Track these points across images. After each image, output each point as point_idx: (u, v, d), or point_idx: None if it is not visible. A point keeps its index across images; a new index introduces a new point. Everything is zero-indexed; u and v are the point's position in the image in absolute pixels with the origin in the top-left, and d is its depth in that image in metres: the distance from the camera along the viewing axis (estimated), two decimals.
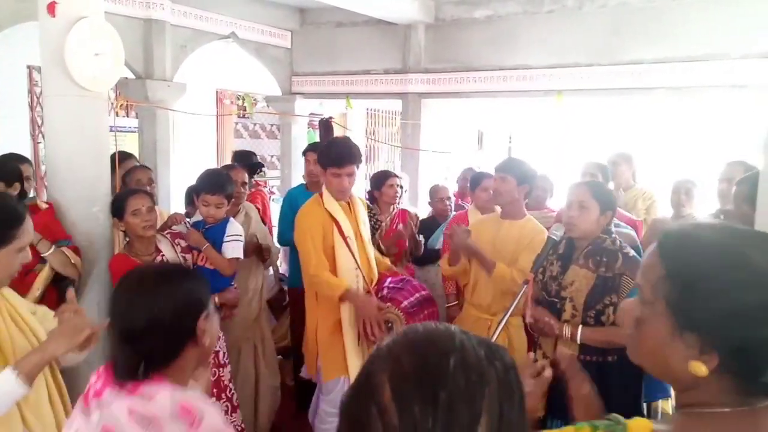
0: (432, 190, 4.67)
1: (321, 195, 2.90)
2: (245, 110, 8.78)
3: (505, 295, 2.80)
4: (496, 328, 2.48)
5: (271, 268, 4.17)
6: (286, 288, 4.41)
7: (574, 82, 5.32)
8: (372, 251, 2.99)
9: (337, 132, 6.47)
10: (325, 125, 3.94)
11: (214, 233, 2.94)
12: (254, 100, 8.75)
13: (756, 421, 0.83)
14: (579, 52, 5.31)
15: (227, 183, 3.02)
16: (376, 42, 6.35)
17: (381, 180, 4.15)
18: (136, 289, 1.31)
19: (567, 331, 2.35)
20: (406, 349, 0.70)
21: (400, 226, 4.02)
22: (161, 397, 1.20)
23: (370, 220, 3.98)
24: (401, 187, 4.70)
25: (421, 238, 4.14)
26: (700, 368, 0.83)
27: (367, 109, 9.47)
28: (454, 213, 4.37)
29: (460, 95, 5.94)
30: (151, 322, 1.25)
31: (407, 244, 4.03)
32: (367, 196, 4.33)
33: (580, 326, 2.32)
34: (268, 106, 7.62)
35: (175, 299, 1.29)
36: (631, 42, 5.08)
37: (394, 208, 4.15)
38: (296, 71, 6.87)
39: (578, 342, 2.33)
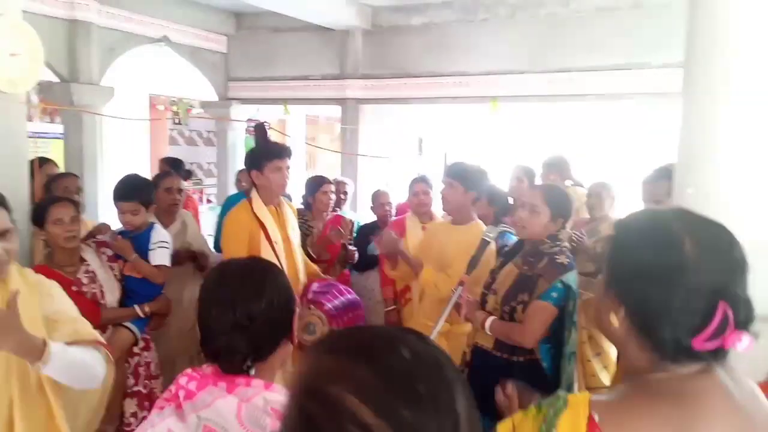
0: (374, 196, 4.68)
1: (250, 200, 2.83)
2: (179, 116, 8.54)
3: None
4: (434, 332, 2.52)
5: None
6: None
7: (508, 88, 5.46)
8: (301, 257, 2.94)
9: (276, 139, 6.37)
10: (260, 130, 3.88)
11: (139, 241, 2.83)
12: (189, 106, 8.53)
13: (686, 384, 0.88)
14: (513, 59, 5.45)
15: (142, 189, 2.92)
16: (313, 47, 6.32)
17: (315, 186, 4.11)
18: (249, 276, 1.27)
19: (481, 319, 2.39)
20: (351, 360, 0.63)
21: (334, 230, 3.98)
22: (278, 388, 1.17)
23: (301, 226, 3.95)
24: (345, 193, 4.68)
25: (352, 245, 4.11)
26: (614, 320, 0.94)
27: (307, 116, 9.41)
28: (394, 218, 4.38)
29: (398, 101, 5.99)
30: (268, 309, 1.22)
31: (340, 250, 4.00)
32: (302, 201, 4.28)
33: (491, 317, 2.35)
34: (204, 111, 7.45)
35: (282, 290, 1.28)
36: (562, 50, 5.26)
37: (327, 214, 4.12)
38: (232, 76, 6.75)
39: (487, 332, 2.36)
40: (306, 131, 9.57)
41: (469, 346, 2.58)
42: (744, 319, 0.87)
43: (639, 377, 0.92)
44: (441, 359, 0.65)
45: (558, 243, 2.37)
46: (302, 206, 4.28)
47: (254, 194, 2.84)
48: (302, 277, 2.89)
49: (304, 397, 0.63)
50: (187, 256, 3.36)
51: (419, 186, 3.72)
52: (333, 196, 4.15)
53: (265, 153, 2.86)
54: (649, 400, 0.87)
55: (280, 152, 2.85)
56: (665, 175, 2.74)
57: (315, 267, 3.18)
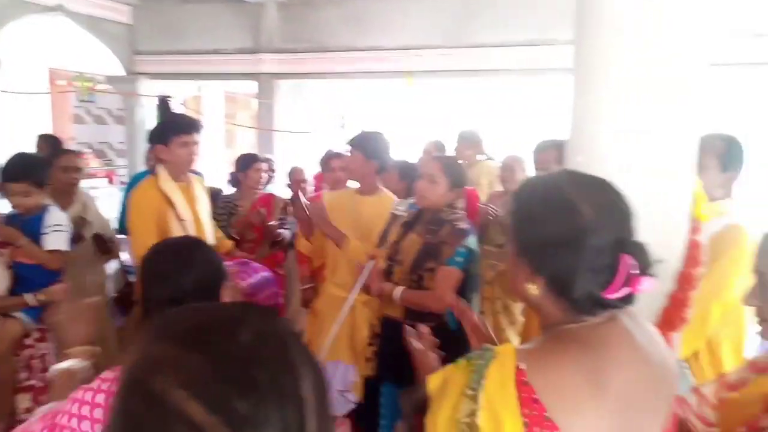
0: (289, 173, 4.60)
1: (155, 177, 2.70)
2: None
3: None
4: (348, 304, 2.52)
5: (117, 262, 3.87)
6: (133, 281, 4.12)
7: (423, 63, 5.48)
8: (212, 235, 2.85)
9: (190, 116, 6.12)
10: (163, 104, 3.68)
11: (32, 225, 2.64)
12: (93, 81, 8.01)
13: (596, 332, 0.95)
14: (428, 34, 5.47)
15: (34, 169, 2.71)
16: (226, 20, 6.08)
17: (248, 163, 3.96)
18: (177, 256, 1.37)
19: (389, 290, 2.43)
20: (182, 347, 0.56)
21: (262, 210, 3.88)
22: None
23: (227, 205, 3.83)
24: (273, 171, 4.57)
25: (286, 226, 4.03)
26: (532, 289, 0.98)
27: (225, 92, 9.08)
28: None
29: (314, 76, 5.89)
30: (197, 286, 1.31)
31: (268, 229, 3.91)
32: (230, 179, 4.14)
33: (400, 287, 2.40)
34: (111, 87, 7.03)
35: (210, 265, 1.38)
36: (475, 26, 5.33)
37: (257, 193, 4.00)
38: (139, 49, 6.39)
39: (397, 301, 2.41)
40: (224, 108, 9.24)
41: (378, 318, 2.61)
42: (645, 264, 0.95)
43: (555, 328, 0.97)
44: (288, 339, 0.60)
45: (456, 210, 2.46)
46: (229, 184, 4.16)
47: (160, 170, 2.70)
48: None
49: (126, 393, 0.56)
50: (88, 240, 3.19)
51: (335, 161, 3.68)
52: (265, 175, 4.04)
53: (172, 127, 2.71)
54: (565, 347, 0.93)
55: (188, 126, 2.71)
56: (552, 145, 2.89)
57: (229, 244, 3.09)
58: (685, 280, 1.55)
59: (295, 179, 4.45)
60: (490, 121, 5.67)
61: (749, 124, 4.97)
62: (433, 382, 1.00)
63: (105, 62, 6.57)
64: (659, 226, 1.52)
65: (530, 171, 3.90)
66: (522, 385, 0.88)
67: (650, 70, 1.50)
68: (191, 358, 0.55)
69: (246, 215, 3.84)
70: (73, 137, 7.68)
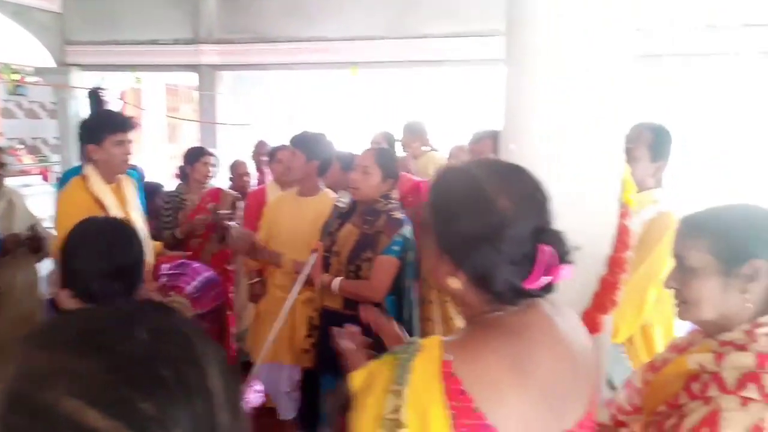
0: (232, 167, 4.50)
1: (84, 177, 2.57)
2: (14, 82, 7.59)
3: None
4: (289, 301, 2.49)
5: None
6: None
7: (368, 54, 5.45)
8: (146, 235, 2.73)
9: (130, 110, 5.91)
10: (94, 96, 3.53)
11: None
12: (19, 72, 7.60)
13: (519, 319, 0.96)
14: (371, 25, 5.44)
15: None
16: (163, 9, 5.88)
17: (195, 156, 3.85)
18: (120, 230, 1.57)
19: (327, 281, 2.44)
20: (72, 353, 0.52)
21: (210, 205, 3.77)
22: None
23: (174, 199, 3.71)
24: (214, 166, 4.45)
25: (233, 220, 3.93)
26: (455, 283, 0.97)
27: (166, 85, 8.80)
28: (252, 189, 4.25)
29: (256, 67, 5.78)
30: (138, 259, 1.54)
31: (216, 225, 3.81)
32: (178, 172, 4.02)
33: (338, 278, 2.41)
34: (41, 79, 6.69)
35: (139, 246, 1.56)
36: (419, 16, 5.33)
37: (205, 187, 3.89)
38: (70, 39, 6.11)
39: (336, 292, 2.41)
40: (166, 101, 8.96)
41: (316, 310, 2.60)
42: (564, 252, 0.95)
43: (479, 317, 0.97)
44: (190, 333, 0.58)
45: (391, 201, 2.48)
46: (176, 178, 4.03)
47: (90, 170, 2.56)
48: (149, 259, 2.69)
49: (7, 411, 0.50)
50: (16, 241, 3.03)
51: (282, 153, 3.62)
52: (212, 168, 3.93)
53: (105, 124, 2.57)
54: (490, 336, 0.93)
55: (123, 124, 2.59)
56: (487, 135, 2.97)
57: (159, 245, 2.99)
58: (614, 264, 1.59)
59: (238, 173, 4.36)
60: (436, 112, 5.70)
61: (700, 115, 5.17)
62: (356, 379, 0.97)
63: (34, 53, 6.24)
64: (590, 212, 1.57)
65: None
66: (448, 377, 0.87)
67: (580, 62, 1.52)
68: (83, 365, 0.51)
69: (198, 209, 3.73)
70: (1, 132, 7.28)
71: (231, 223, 3.43)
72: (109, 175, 2.59)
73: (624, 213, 1.65)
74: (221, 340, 3.43)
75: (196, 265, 2.75)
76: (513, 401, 0.88)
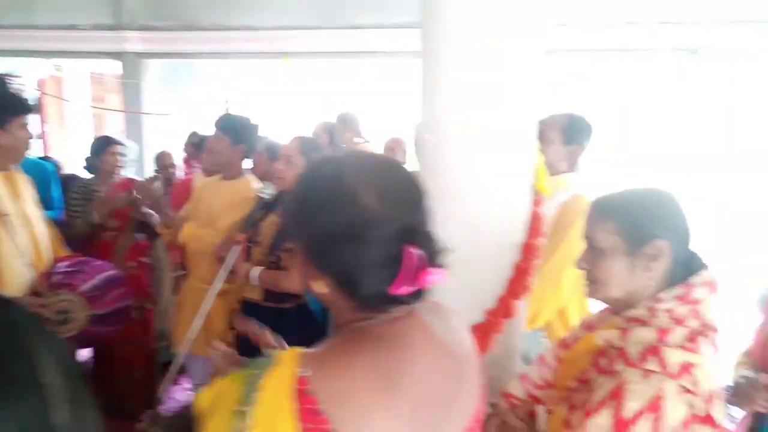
0: (157, 158, 4.35)
1: None
2: None
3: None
4: (212, 294, 2.42)
5: None
6: None
7: (299, 44, 5.38)
8: (44, 232, 2.55)
9: (51, 101, 5.58)
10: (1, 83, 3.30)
11: None
12: None
13: (391, 328, 0.88)
14: (303, 14, 5.36)
15: None
16: None
17: (101, 146, 3.67)
18: None
19: (246, 271, 2.40)
20: None
21: (125, 193, 3.61)
22: None
23: (85, 190, 3.52)
24: (124, 156, 4.26)
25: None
26: (320, 287, 0.89)
27: (91, 73, 8.38)
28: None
29: (184, 56, 5.59)
30: None
31: (132, 216, 3.65)
32: (85, 164, 3.82)
33: (258, 268, 2.38)
34: None
35: None
36: (353, 6, 5.28)
37: (115, 177, 3.72)
38: None
39: (254, 282, 2.38)
40: (91, 91, 8.53)
41: (238, 302, 2.56)
42: (433, 256, 0.87)
43: (347, 327, 0.89)
44: (18, 323, 0.54)
45: None
46: (85, 170, 3.83)
47: None
48: (46, 256, 2.51)
49: None
50: None
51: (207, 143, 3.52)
52: (121, 159, 3.75)
53: (10, 106, 2.41)
54: (356, 347, 0.85)
55: (27, 106, 2.44)
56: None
57: (60, 251, 2.83)
58: (528, 251, 1.63)
59: (164, 164, 4.22)
60: (369, 104, 5.69)
61: (615, 108, 5.39)
62: (202, 399, 0.86)
63: None
64: (503, 201, 1.60)
65: (411, 152, 3.99)
66: (302, 395, 0.78)
67: (493, 54, 1.55)
68: None
69: (106, 200, 3.57)
70: None
71: (148, 211, 3.31)
72: (8, 162, 2.41)
73: (537, 200, 1.70)
74: (140, 338, 3.32)
75: (98, 263, 2.58)
76: (377, 420, 0.80)
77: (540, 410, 1.41)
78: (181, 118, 6.11)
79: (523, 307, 1.71)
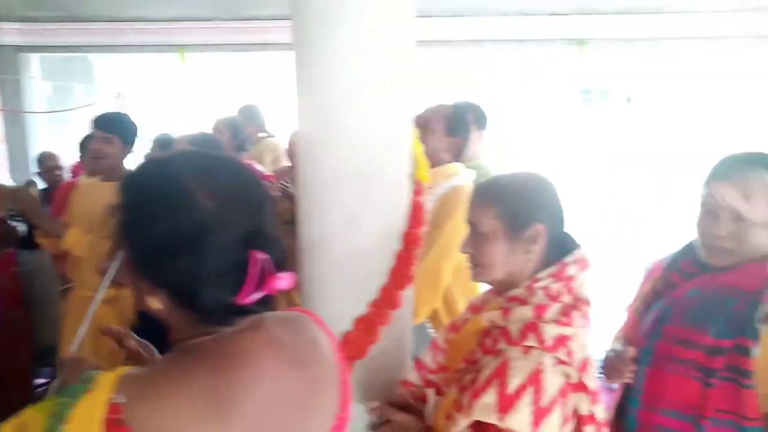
0: (39, 159, 4.05)
1: None
2: None
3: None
4: (96, 301, 2.27)
5: None
6: None
7: (196, 37, 5.16)
8: None
9: None
10: None
11: None
12: None
13: (231, 344, 0.81)
14: (200, 6, 5.13)
15: None
16: None
17: None
18: None
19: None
20: None
21: None
22: None
23: None
24: None
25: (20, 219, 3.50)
26: (155, 303, 0.82)
27: None
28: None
29: (70, 49, 5.21)
30: None
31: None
32: None
33: None
34: None
35: None
36: None
37: None
38: None
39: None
40: None
41: (134, 312, 2.44)
42: (280, 260, 0.83)
43: (181, 345, 0.82)
44: None
45: None
46: None
47: None
48: None
49: None
50: None
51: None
52: None
53: None
54: (186, 368, 0.78)
55: None
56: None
57: None
58: (409, 240, 1.63)
59: (47, 166, 3.93)
60: (272, 97, 5.57)
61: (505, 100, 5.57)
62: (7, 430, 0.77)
63: None
64: (381, 190, 1.59)
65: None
66: (113, 425, 0.71)
67: (363, 45, 1.53)
68: None
69: None
70: None
71: (15, 223, 3.07)
72: None
73: (417, 190, 1.70)
74: (15, 354, 3.09)
75: None
76: None
77: (430, 394, 1.42)
78: (71, 116, 5.73)
79: (408, 297, 1.71)
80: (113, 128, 2.67)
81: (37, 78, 5.38)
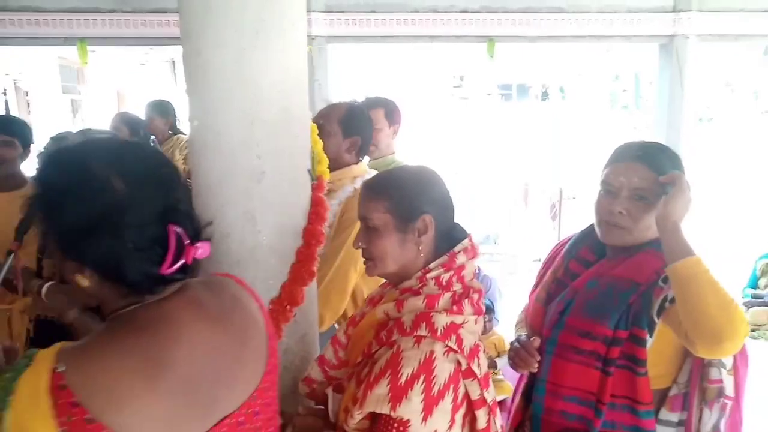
0: None
1: None
2: None
3: None
4: None
5: None
6: None
7: (96, 29, 4.90)
8: None
9: None
10: None
11: None
12: None
13: (159, 310, 0.91)
14: None
15: None
16: None
17: None
18: None
19: (37, 287, 2.14)
20: None
21: None
22: None
23: None
24: None
25: None
26: (83, 281, 0.89)
27: None
28: None
29: None
30: None
31: None
32: None
33: (49, 282, 2.14)
34: None
35: None
36: None
37: None
38: None
39: (45, 298, 2.14)
40: None
41: (31, 320, 2.29)
42: (195, 230, 0.93)
43: (111, 317, 0.91)
44: None
45: None
46: None
47: None
48: None
49: None
50: None
51: None
52: None
53: None
54: (116, 336, 0.87)
55: None
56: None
57: None
58: (310, 236, 1.62)
59: None
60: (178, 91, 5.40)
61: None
62: None
63: None
64: (278, 186, 1.57)
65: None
66: (57, 390, 0.79)
67: (251, 39, 1.50)
68: None
69: None
70: None
71: None
72: None
73: (318, 185, 1.70)
74: None
75: None
76: (139, 404, 0.83)
77: (329, 391, 1.42)
78: None
79: (312, 293, 1.71)
80: (13, 130, 2.50)
81: None
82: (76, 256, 0.88)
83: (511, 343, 1.61)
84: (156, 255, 0.88)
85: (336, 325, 2.03)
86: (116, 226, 0.85)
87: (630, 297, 1.44)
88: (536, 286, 1.72)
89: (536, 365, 1.51)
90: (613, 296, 1.46)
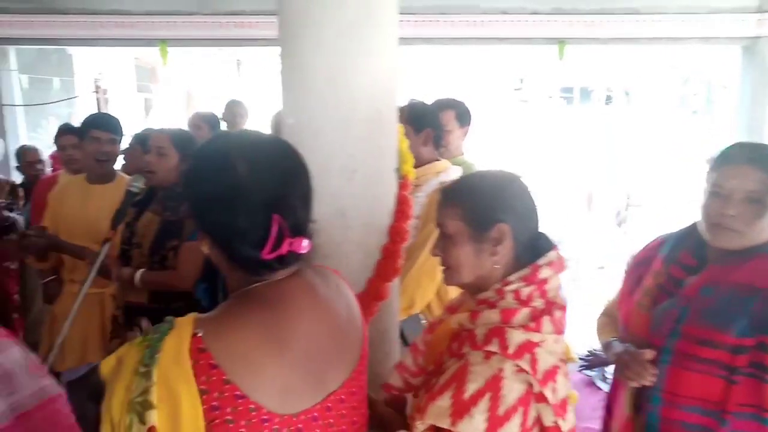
0: (19, 153, 4.00)
1: None
2: None
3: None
4: (80, 297, 2.27)
5: None
6: None
7: (177, 31, 5.12)
8: None
9: None
10: None
11: None
12: None
13: (278, 288, 0.98)
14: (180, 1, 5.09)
15: None
16: None
17: None
18: None
19: (129, 275, 2.28)
20: None
21: None
22: None
23: None
24: None
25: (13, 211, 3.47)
26: (204, 247, 1.00)
27: None
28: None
29: (47, 42, 5.12)
30: None
31: None
32: None
33: (141, 270, 2.26)
34: None
35: None
36: None
37: None
38: None
39: (138, 285, 2.27)
40: None
41: (119, 307, 2.42)
42: (296, 224, 0.96)
43: (237, 292, 0.99)
44: None
45: None
46: None
47: None
48: None
49: None
50: None
51: (67, 138, 3.27)
52: None
53: None
54: (244, 308, 0.95)
55: None
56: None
57: None
58: (395, 234, 1.66)
59: (27, 161, 3.88)
60: (259, 93, 5.56)
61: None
62: (106, 366, 0.93)
63: None
64: (368, 185, 1.62)
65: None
66: (198, 352, 0.88)
67: (347, 40, 1.55)
68: None
69: None
70: None
71: (11, 215, 3.03)
72: None
73: (403, 184, 1.73)
74: None
75: None
76: (267, 371, 0.91)
77: (409, 398, 1.39)
78: (47, 110, 5.66)
79: (395, 289, 1.74)
80: (117, 129, 2.71)
81: (14, 71, 5.28)
82: (201, 225, 0.99)
83: (620, 354, 1.55)
84: (258, 239, 0.93)
85: (420, 315, 2.07)
86: (231, 204, 0.94)
87: (753, 303, 1.38)
88: (629, 290, 1.65)
89: (652, 378, 1.45)
90: (735, 303, 1.41)
